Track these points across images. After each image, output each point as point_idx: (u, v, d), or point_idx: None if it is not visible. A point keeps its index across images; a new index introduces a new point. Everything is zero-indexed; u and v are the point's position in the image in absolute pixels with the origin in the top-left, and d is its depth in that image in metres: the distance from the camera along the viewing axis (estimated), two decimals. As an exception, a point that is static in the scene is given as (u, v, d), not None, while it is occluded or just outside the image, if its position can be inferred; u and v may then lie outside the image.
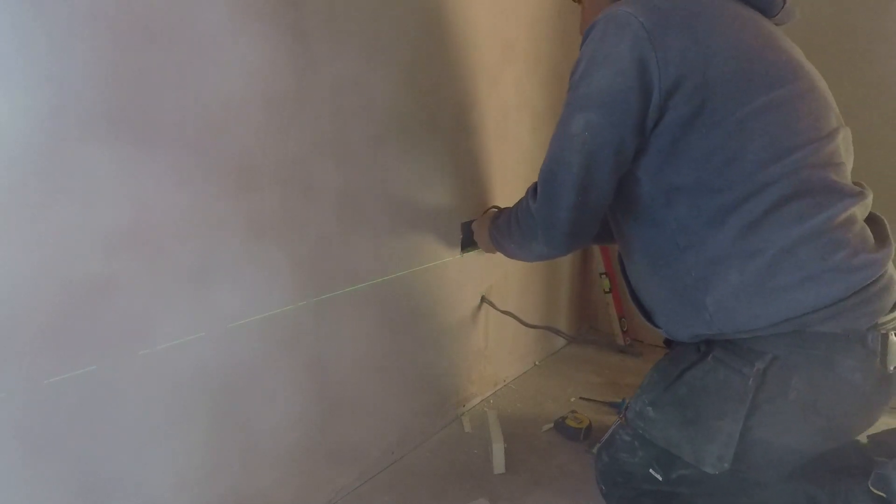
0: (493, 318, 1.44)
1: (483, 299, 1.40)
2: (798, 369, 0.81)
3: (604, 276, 1.80)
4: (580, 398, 1.47)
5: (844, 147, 0.88)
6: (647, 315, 0.99)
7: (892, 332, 0.82)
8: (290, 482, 0.99)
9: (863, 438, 0.94)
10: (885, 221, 0.88)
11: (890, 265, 0.82)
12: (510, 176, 1.43)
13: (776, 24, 0.91)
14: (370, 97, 1.02)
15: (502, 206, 1.40)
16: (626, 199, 0.93)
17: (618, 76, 0.81)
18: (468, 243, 1.31)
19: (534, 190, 0.96)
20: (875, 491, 0.78)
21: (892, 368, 0.82)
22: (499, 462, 1.16)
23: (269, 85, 0.85)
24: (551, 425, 1.32)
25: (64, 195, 0.66)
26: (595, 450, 1.19)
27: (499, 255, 1.35)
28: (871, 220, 0.87)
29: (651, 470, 0.92)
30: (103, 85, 0.68)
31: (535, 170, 1.51)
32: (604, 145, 0.84)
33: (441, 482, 1.13)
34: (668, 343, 1.02)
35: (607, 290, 1.79)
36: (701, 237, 0.84)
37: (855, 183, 0.87)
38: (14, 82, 0.62)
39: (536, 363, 1.68)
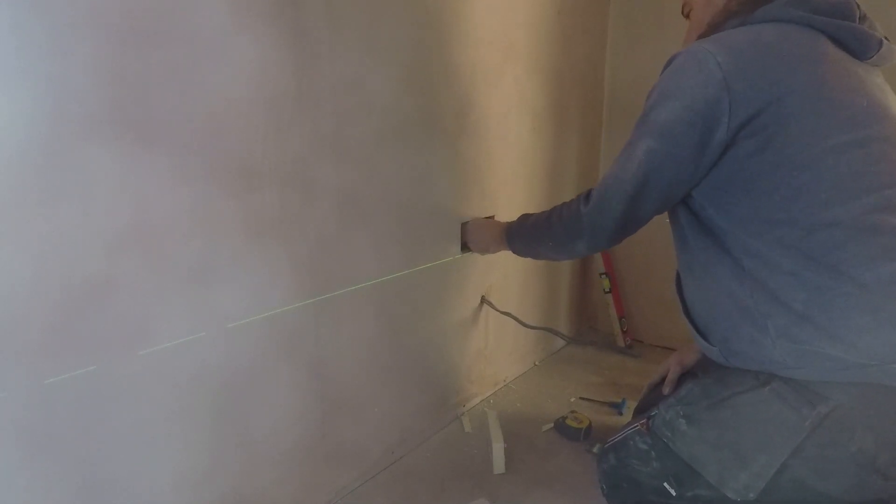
0: (493, 318, 1.45)
1: (483, 299, 1.40)
2: (864, 422, 0.79)
3: (604, 276, 1.80)
4: (580, 398, 1.47)
5: None
6: (703, 335, 0.96)
7: None
8: (290, 482, 0.99)
9: None
10: None
11: None
12: (510, 176, 1.43)
13: (873, 66, 0.89)
14: (370, 97, 1.02)
15: (501, 211, 1.40)
16: (691, 216, 0.94)
17: (686, 111, 0.84)
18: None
19: (586, 196, 1.00)
20: None
21: None
22: (499, 462, 1.16)
23: (269, 85, 0.85)
24: (551, 425, 1.32)
25: (64, 195, 0.66)
26: (597, 449, 1.19)
27: (499, 256, 1.35)
28: None
29: (665, 483, 0.91)
30: (104, 85, 0.68)
31: (534, 169, 1.52)
32: (660, 171, 0.88)
33: (441, 482, 1.13)
34: (703, 335, 0.98)
35: (607, 290, 1.80)
36: (765, 260, 0.83)
37: None
38: (15, 82, 0.62)
39: (536, 363, 1.68)
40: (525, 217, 1.16)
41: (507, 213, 1.42)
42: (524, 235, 1.14)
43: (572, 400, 1.46)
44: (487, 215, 1.37)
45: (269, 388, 0.93)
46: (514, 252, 1.18)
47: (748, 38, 0.85)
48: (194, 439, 0.84)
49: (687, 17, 1.05)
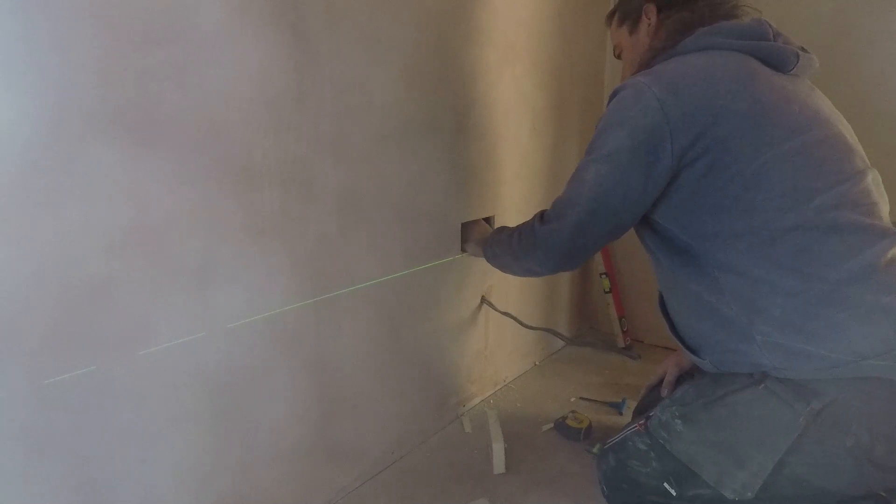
0: (494, 318, 1.45)
1: (483, 300, 1.40)
2: (858, 415, 0.80)
3: (604, 276, 1.80)
4: (580, 398, 1.47)
5: (875, 187, 0.89)
6: (693, 350, 0.98)
7: None
8: (290, 482, 0.99)
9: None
10: None
11: None
12: (510, 176, 1.43)
13: (794, 76, 0.93)
14: (370, 97, 1.02)
15: (501, 211, 1.40)
16: (662, 241, 0.97)
17: (629, 138, 0.88)
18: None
19: (541, 216, 1.04)
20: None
21: None
22: (499, 462, 1.16)
23: (269, 85, 0.85)
24: (551, 425, 1.32)
25: (64, 195, 0.66)
26: (597, 449, 1.19)
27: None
28: None
29: (665, 484, 0.92)
30: (104, 85, 0.68)
31: (534, 169, 1.52)
32: (608, 195, 0.92)
33: (441, 482, 1.13)
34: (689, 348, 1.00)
35: (607, 290, 1.79)
36: (738, 272, 0.86)
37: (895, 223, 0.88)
38: (15, 82, 0.62)
39: (536, 363, 1.68)
40: (500, 229, 1.19)
41: (507, 213, 1.42)
42: (494, 246, 1.17)
43: (572, 400, 1.46)
44: (487, 215, 1.37)
45: (269, 388, 0.93)
46: (487, 261, 1.20)
47: (679, 68, 0.90)
48: (194, 439, 0.84)
49: (618, 57, 1.12)
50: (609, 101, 0.94)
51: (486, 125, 1.32)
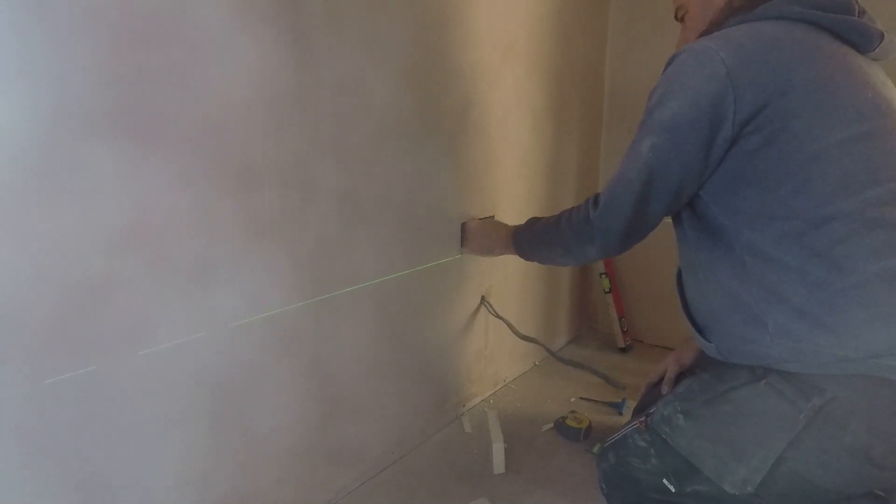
0: (493, 318, 1.45)
1: (482, 300, 1.40)
2: (859, 414, 0.80)
3: (603, 276, 1.80)
4: (580, 398, 1.47)
5: None
6: (701, 331, 0.97)
7: None
8: (290, 482, 0.99)
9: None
10: None
11: None
12: (510, 176, 1.43)
13: (874, 59, 0.90)
14: (370, 97, 1.02)
15: (501, 212, 1.40)
16: (693, 214, 0.94)
17: (690, 107, 0.83)
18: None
19: (594, 200, 0.99)
20: None
21: None
22: (499, 462, 1.16)
23: (269, 85, 0.85)
24: (551, 425, 1.32)
25: (64, 195, 0.66)
26: (597, 449, 1.19)
27: (499, 256, 1.35)
28: None
29: (665, 480, 0.92)
30: (104, 85, 0.68)
31: (534, 169, 1.52)
32: (666, 168, 0.87)
33: (441, 482, 1.13)
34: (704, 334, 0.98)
35: (607, 290, 1.80)
36: (767, 257, 0.83)
37: None
38: (15, 82, 0.62)
39: (536, 363, 1.68)
40: (533, 221, 1.15)
41: (507, 213, 1.42)
42: (533, 240, 1.13)
43: (572, 400, 1.46)
44: (487, 215, 1.37)
45: (269, 389, 0.93)
46: (520, 256, 1.17)
47: (750, 34, 0.85)
48: (194, 439, 0.84)
49: (681, 20, 1.04)
50: (667, 67, 0.88)
51: (486, 125, 1.32)
